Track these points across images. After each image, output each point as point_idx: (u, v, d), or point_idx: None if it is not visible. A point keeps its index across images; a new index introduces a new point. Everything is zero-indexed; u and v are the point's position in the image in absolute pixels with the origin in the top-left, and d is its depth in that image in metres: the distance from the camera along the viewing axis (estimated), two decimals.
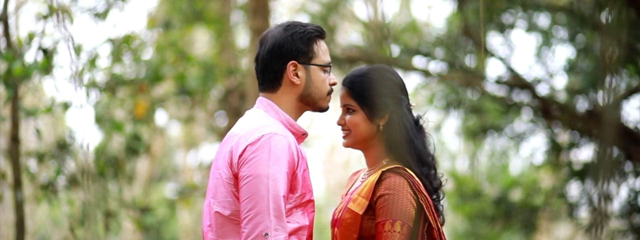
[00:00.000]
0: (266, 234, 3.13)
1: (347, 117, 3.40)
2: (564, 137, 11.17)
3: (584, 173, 10.22)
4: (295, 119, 3.36)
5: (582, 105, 10.40)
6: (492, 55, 10.26)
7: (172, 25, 9.80)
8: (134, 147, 8.59)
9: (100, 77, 8.82)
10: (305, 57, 3.33)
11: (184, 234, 18.39)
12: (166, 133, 16.86)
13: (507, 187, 11.67)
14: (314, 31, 3.35)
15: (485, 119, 10.81)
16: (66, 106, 7.97)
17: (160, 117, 13.57)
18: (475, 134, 10.98)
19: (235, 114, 10.01)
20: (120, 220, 9.95)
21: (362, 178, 3.46)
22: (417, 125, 3.43)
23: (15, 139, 7.66)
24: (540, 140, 11.37)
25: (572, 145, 10.52)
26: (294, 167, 3.22)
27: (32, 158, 8.50)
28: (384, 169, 3.32)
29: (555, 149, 10.64)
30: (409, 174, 3.32)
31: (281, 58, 3.32)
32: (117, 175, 9.09)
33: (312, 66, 3.34)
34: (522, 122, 11.08)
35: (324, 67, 3.37)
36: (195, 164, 18.54)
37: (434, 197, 3.40)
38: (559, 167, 10.99)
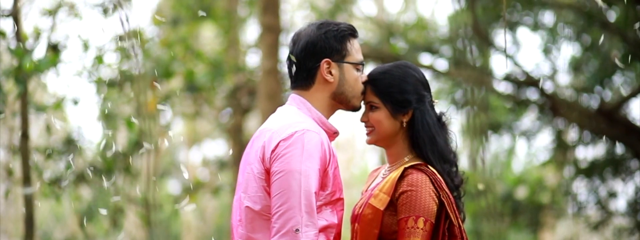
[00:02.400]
0: (297, 230, 3.14)
1: (370, 114, 3.42)
2: (570, 134, 11.18)
3: (590, 171, 10.24)
4: (327, 117, 3.38)
5: (588, 102, 10.41)
6: (504, 52, 10.27)
7: (179, 21, 9.80)
8: (143, 143, 8.59)
9: (107, 73, 8.83)
10: (338, 55, 3.35)
11: (186, 230, 18.41)
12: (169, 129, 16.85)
13: (513, 185, 11.68)
14: (347, 29, 3.38)
15: (491, 116, 10.81)
16: (75, 102, 7.97)
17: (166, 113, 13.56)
18: (481, 131, 10.97)
19: (243, 111, 10.03)
20: (126, 216, 9.96)
21: (383, 174, 3.47)
22: (439, 122, 3.45)
23: (25, 135, 7.66)
24: (546, 138, 11.39)
25: (579, 143, 10.53)
26: (325, 164, 3.23)
27: (39, 154, 8.50)
28: (406, 166, 3.34)
29: (561, 146, 10.65)
30: (431, 170, 3.34)
31: (315, 56, 3.33)
32: (124, 171, 9.10)
33: (345, 64, 3.36)
34: (529, 119, 11.09)
35: (357, 66, 3.39)
36: (199, 160, 18.54)
37: (455, 194, 3.41)
38: (564, 164, 11.00)
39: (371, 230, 3.31)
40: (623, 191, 10.23)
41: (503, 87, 10.61)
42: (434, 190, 3.29)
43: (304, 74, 3.36)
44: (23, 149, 7.65)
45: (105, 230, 9.60)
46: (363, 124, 3.46)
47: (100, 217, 9.45)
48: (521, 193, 12.04)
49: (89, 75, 8.26)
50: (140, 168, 10.67)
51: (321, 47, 3.34)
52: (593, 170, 10.22)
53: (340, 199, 3.32)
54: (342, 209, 3.34)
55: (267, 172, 3.23)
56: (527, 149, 11.85)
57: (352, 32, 3.40)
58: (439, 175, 3.33)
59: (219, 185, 11.52)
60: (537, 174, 12.46)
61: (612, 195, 10.33)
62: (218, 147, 18.73)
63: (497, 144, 12.50)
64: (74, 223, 15.18)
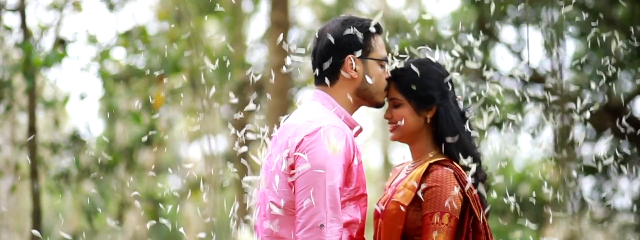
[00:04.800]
0: (322, 225, 3.14)
1: (394, 110, 3.41)
2: (574, 131, 11.14)
3: (595, 168, 10.22)
4: (351, 113, 3.38)
5: (593, 99, 10.40)
6: (511, 49, 10.25)
7: (184, 17, 9.77)
8: (150, 138, 8.60)
9: (114, 68, 8.81)
10: (362, 51, 3.34)
11: (186, 225, 18.38)
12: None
13: (517, 182, 11.67)
14: (371, 26, 3.36)
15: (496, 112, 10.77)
16: (82, 97, 7.97)
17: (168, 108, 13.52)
18: (486, 127, 10.96)
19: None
20: (131, 211, 9.96)
21: (407, 170, 3.46)
22: (462, 118, 3.45)
23: (32, 130, 7.67)
24: (549, 135, 11.35)
25: (584, 140, 10.52)
26: (349, 160, 3.22)
27: (45, 149, 8.50)
28: (430, 161, 3.33)
29: (566, 143, 10.61)
30: (456, 166, 3.33)
31: (339, 52, 3.33)
32: (130, 166, 9.09)
33: (369, 60, 3.35)
34: (534, 116, 11.07)
35: (381, 62, 3.38)
36: (199, 156, 18.48)
37: (479, 189, 3.41)
38: (569, 161, 10.97)
39: (395, 226, 3.30)
40: (628, 188, 10.23)
41: (509, 83, 10.60)
42: (459, 186, 3.29)
43: (328, 70, 3.36)
44: (31, 144, 7.65)
45: (110, 226, 9.59)
46: (387, 120, 3.46)
47: (104, 212, 9.45)
48: (524, 190, 12.03)
49: (96, 71, 8.25)
50: (144, 163, 10.65)
51: (345, 43, 3.33)
52: (598, 168, 10.19)
53: (364, 195, 3.32)
54: (366, 205, 3.34)
55: (292, 168, 3.22)
56: (532, 145, 11.82)
57: (376, 29, 3.39)
58: (463, 171, 3.33)
59: (223, 181, 11.51)
60: (542, 170, 12.43)
61: (616, 191, 10.31)
62: (219, 143, 18.69)
63: (500, 140, 12.49)
64: (76, 218, 15.17)
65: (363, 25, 3.36)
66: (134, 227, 14.49)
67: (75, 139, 8.56)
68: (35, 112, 7.62)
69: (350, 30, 3.33)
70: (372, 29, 3.36)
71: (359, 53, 3.33)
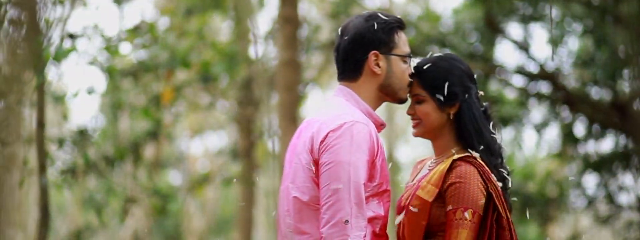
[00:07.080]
0: (346, 221, 3.15)
1: (417, 106, 3.42)
2: (580, 128, 11.19)
3: (600, 165, 10.24)
4: (374, 109, 3.39)
5: (600, 96, 10.41)
6: (519, 45, 10.25)
7: (191, 11, 9.78)
8: (157, 133, 8.61)
9: (121, 63, 8.82)
10: (386, 47, 3.35)
11: (187, 221, 18.40)
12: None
13: (523, 179, 11.68)
14: (395, 22, 3.38)
15: (502, 109, 10.80)
16: (90, 92, 7.97)
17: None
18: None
19: (256, 102, 10.00)
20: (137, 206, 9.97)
21: (430, 166, 3.47)
22: (485, 114, 3.46)
23: (40, 124, 7.66)
24: (554, 131, 11.39)
25: (590, 136, 10.54)
26: (373, 155, 3.23)
27: (52, 144, 8.49)
28: (454, 158, 3.34)
29: (571, 140, 10.66)
30: (479, 162, 3.34)
31: (362, 48, 3.34)
32: (136, 161, 9.10)
33: (393, 56, 3.36)
34: (539, 112, 11.09)
35: (405, 58, 3.39)
36: (201, 152, 18.51)
37: (502, 185, 3.41)
38: (573, 158, 11.01)
39: (419, 222, 3.31)
40: (633, 186, 10.23)
41: (514, 80, 10.63)
42: (482, 182, 3.30)
43: (351, 66, 3.37)
44: (39, 139, 7.64)
45: (118, 219, 9.60)
46: (409, 116, 3.47)
47: (109, 207, 9.46)
48: (529, 187, 12.05)
49: (101, 66, 8.25)
50: (150, 158, 10.65)
51: (369, 39, 3.34)
52: (603, 165, 10.22)
53: (387, 191, 3.33)
54: (389, 201, 3.35)
55: (316, 163, 3.23)
56: (537, 142, 11.84)
57: (399, 25, 3.40)
58: (486, 167, 3.34)
59: (229, 177, 11.53)
60: (542, 167, 12.46)
61: (622, 189, 10.33)
62: (220, 139, 18.73)
63: (504, 137, 12.52)
64: (78, 213, 15.17)
65: (386, 21, 3.36)
66: (138, 221, 14.52)
67: (82, 134, 8.56)
68: (44, 106, 7.61)
69: (373, 26, 3.34)
70: (396, 25, 3.37)
71: (382, 49, 3.34)
